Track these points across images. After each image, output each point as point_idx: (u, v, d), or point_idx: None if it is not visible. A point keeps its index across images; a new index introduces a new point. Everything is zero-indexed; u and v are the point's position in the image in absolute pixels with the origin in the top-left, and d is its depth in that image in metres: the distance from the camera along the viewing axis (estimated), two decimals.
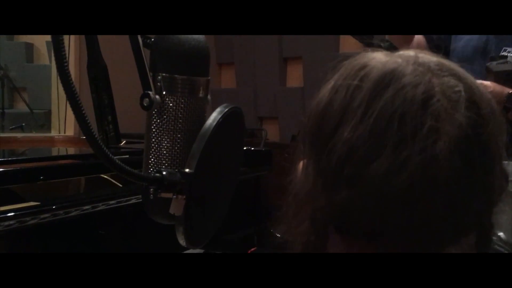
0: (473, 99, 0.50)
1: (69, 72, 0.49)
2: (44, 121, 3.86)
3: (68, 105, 2.87)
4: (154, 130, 0.62)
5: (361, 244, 0.53)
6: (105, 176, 1.22)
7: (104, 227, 1.09)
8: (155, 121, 0.62)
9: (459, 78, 0.51)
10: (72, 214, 0.99)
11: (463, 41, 1.56)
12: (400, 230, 0.49)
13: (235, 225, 0.69)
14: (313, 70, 3.11)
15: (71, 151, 1.62)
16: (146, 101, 0.60)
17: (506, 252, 1.02)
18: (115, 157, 0.52)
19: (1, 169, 1.05)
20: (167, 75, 0.61)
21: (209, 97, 0.65)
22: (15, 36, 4.25)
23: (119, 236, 1.14)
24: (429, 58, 0.52)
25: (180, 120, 0.61)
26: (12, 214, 0.87)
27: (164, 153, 0.61)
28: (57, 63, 0.48)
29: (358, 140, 0.48)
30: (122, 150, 1.48)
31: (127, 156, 1.32)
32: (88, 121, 0.51)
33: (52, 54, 0.49)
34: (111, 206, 1.09)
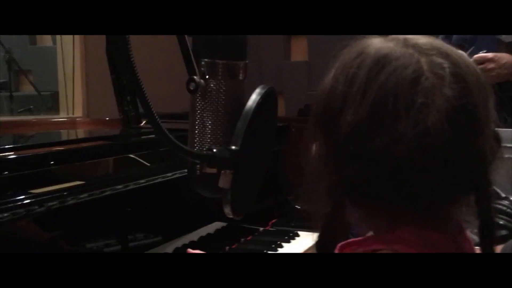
0: (458, 72, 0.56)
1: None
2: (51, 103, 3.89)
3: (76, 86, 2.91)
4: (198, 111, 0.67)
5: (374, 210, 0.60)
6: (132, 156, 1.28)
7: (131, 205, 1.15)
8: (199, 104, 0.67)
9: (446, 55, 0.57)
10: (107, 193, 1.05)
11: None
12: (404, 194, 0.56)
13: (257, 198, 0.74)
14: (317, 44, 3.14)
15: (95, 133, 1.67)
16: (192, 85, 0.65)
17: None
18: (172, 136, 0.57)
19: (40, 152, 1.11)
20: (210, 60, 0.65)
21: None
22: None
23: (146, 213, 1.19)
24: (418, 39, 0.59)
25: (222, 102, 0.66)
26: (56, 194, 0.93)
27: (208, 132, 0.67)
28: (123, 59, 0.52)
29: (359, 121, 0.56)
30: (143, 130, 1.53)
31: (152, 135, 1.37)
32: (150, 103, 0.55)
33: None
34: (141, 185, 1.14)
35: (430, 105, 0.54)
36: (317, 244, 0.61)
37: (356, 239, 0.63)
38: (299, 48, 3.41)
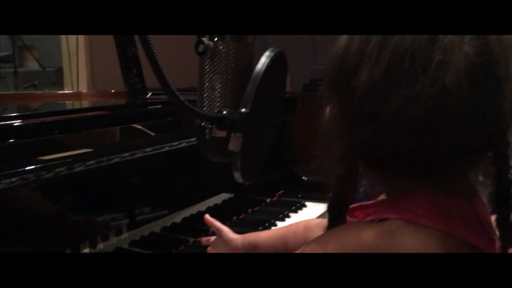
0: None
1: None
2: (56, 79, 3.88)
3: (80, 62, 2.90)
4: (207, 74, 0.66)
5: (388, 173, 0.59)
6: (138, 126, 1.27)
7: (138, 175, 1.15)
8: (208, 66, 0.66)
9: None
10: (114, 161, 1.05)
11: None
12: (420, 156, 0.54)
13: (264, 170, 0.74)
14: None
15: (101, 103, 1.67)
16: (201, 47, 0.64)
17: None
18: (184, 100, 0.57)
19: (48, 120, 1.10)
20: None
21: None
22: None
23: (153, 183, 1.19)
24: None
25: (232, 64, 0.65)
26: (64, 160, 0.93)
27: (217, 95, 0.66)
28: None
29: (375, 80, 0.54)
30: (149, 101, 1.53)
31: (158, 106, 1.36)
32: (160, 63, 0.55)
33: None
34: (147, 153, 1.14)
35: (449, 63, 0.52)
36: (329, 207, 0.60)
37: (368, 202, 0.63)
38: None
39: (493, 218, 0.59)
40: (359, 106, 0.55)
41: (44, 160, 0.90)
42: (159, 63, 0.55)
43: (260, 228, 1.24)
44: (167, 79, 0.56)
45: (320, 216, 1.28)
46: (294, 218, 1.33)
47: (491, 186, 0.58)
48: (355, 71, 0.55)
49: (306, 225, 1.00)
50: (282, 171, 1.49)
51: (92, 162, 0.99)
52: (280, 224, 1.28)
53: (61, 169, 0.93)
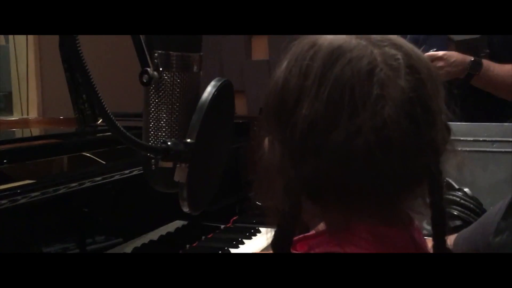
0: (412, 64, 0.56)
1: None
2: (5, 104, 3.76)
3: (30, 87, 2.83)
4: (152, 104, 0.65)
5: (332, 207, 0.59)
6: (88, 154, 1.24)
7: (88, 205, 1.12)
8: (153, 96, 0.65)
9: (398, 46, 0.57)
10: (61, 192, 1.02)
11: None
12: (363, 187, 0.55)
13: (217, 196, 0.73)
14: (278, 43, 3.15)
15: (48, 131, 1.62)
16: (145, 77, 0.63)
17: (472, 206, 1.11)
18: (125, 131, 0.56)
19: None
20: (163, 52, 0.64)
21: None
22: None
23: (103, 213, 1.16)
24: None
25: (177, 94, 0.65)
26: (5, 193, 0.89)
27: (163, 125, 0.65)
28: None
29: (316, 114, 0.54)
30: (99, 128, 1.50)
31: (108, 133, 1.34)
32: (101, 97, 0.54)
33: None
34: (97, 182, 1.11)
35: (386, 97, 0.53)
36: (273, 242, 0.59)
37: (310, 234, 0.63)
38: (260, 47, 3.41)
39: (428, 240, 0.61)
40: (302, 141, 0.55)
41: None
42: (97, 91, 0.54)
43: None
44: (107, 109, 0.55)
45: None
46: (248, 244, 1.32)
47: (426, 214, 0.59)
48: (295, 105, 0.56)
49: None
50: (236, 196, 1.49)
51: (37, 193, 0.96)
52: (234, 251, 1.27)
53: (3, 201, 0.90)
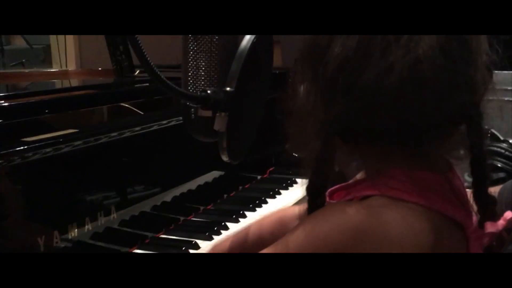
0: None
1: None
2: (44, 57, 3.83)
3: (68, 39, 2.85)
4: (191, 53, 0.65)
5: (366, 151, 0.59)
6: (126, 105, 1.26)
7: (127, 154, 1.14)
8: (191, 45, 0.65)
9: None
10: (102, 141, 1.04)
11: None
12: (395, 127, 0.54)
13: (254, 146, 0.73)
14: None
15: (88, 82, 1.64)
16: None
17: None
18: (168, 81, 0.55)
19: (33, 100, 1.09)
20: None
21: None
22: None
23: (142, 163, 1.18)
24: None
25: (216, 42, 0.64)
26: (49, 141, 0.91)
27: (201, 74, 0.65)
28: None
29: (348, 53, 0.53)
30: (137, 79, 1.50)
31: (146, 84, 1.34)
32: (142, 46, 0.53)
33: None
34: (136, 132, 1.13)
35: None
36: (308, 188, 0.59)
37: (345, 183, 0.62)
38: None
39: (469, 192, 0.59)
40: (333, 80, 0.54)
41: (29, 141, 0.89)
42: (139, 42, 0.53)
43: (250, 205, 1.24)
44: (148, 58, 0.54)
45: None
46: (285, 195, 1.33)
47: (466, 160, 0.57)
48: (328, 45, 0.55)
49: (281, 221, 0.85)
50: (272, 148, 1.49)
51: (79, 142, 0.98)
52: (270, 201, 1.28)
53: (47, 150, 0.92)
